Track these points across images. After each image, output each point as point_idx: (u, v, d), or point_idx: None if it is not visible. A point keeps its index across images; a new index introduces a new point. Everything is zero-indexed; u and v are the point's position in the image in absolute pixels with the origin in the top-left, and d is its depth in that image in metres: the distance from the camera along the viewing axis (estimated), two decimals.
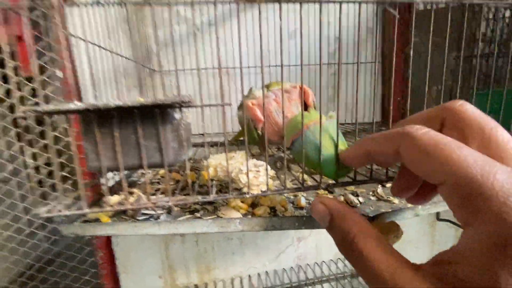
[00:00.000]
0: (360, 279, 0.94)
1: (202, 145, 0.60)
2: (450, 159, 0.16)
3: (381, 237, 0.19)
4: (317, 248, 0.95)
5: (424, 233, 0.97)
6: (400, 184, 0.25)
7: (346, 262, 0.95)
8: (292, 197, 0.39)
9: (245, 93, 0.65)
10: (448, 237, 0.96)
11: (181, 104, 0.25)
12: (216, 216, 0.32)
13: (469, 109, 0.19)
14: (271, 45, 0.80)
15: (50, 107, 0.22)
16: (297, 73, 0.83)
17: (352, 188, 0.44)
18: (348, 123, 0.89)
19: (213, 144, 0.66)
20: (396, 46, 0.33)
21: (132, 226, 0.29)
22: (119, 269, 0.84)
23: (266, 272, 0.92)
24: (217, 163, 0.33)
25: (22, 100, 0.64)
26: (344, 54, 0.84)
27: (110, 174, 0.46)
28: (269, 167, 0.32)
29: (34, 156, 0.24)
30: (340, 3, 0.27)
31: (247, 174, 0.28)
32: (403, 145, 0.18)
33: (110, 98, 0.61)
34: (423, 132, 0.18)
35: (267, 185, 0.29)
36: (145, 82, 0.73)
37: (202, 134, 0.70)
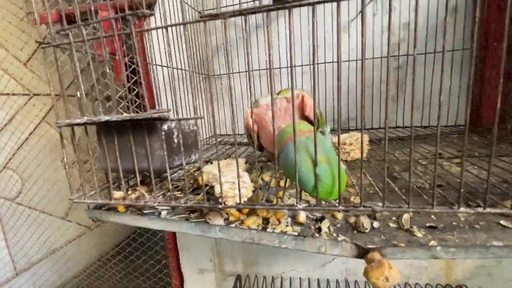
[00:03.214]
0: None
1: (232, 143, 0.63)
2: None
3: None
4: None
5: None
6: None
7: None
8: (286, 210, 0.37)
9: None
10: None
11: (156, 118, 0.28)
12: (203, 220, 0.34)
13: None
14: (319, 40, 0.74)
15: (67, 121, 0.29)
16: (356, 68, 0.75)
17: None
18: (419, 126, 0.74)
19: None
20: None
21: (132, 218, 0.34)
22: (179, 246, 0.98)
23: (309, 279, 0.88)
24: (210, 170, 0.35)
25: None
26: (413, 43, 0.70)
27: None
28: (249, 179, 0.31)
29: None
30: None
31: (220, 184, 0.29)
32: None
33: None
34: None
35: (240, 197, 0.29)
36: (199, 87, 0.81)
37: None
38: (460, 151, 0.58)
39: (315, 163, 0.26)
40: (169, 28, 0.61)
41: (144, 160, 0.31)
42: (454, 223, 0.32)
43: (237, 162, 0.28)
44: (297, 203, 0.28)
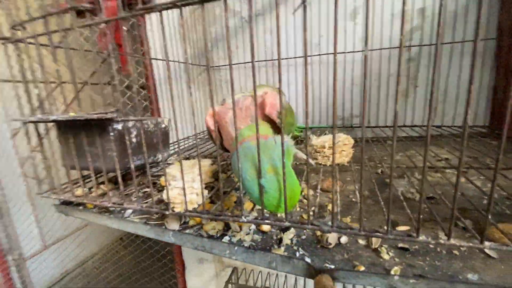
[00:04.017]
0: None
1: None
2: None
3: None
4: None
5: None
6: None
7: None
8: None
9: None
10: None
11: (97, 120, 0.27)
12: (162, 222, 0.33)
13: None
14: (323, 30, 0.69)
15: (22, 118, 0.29)
16: (362, 60, 0.69)
17: (348, 220, 0.34)
18: (424, 126, 0.66)
19: None
20: None
21: (93, 215, 0.34)
22: None
23: (304, 279, 0.86)
24: (169, 171, 0.34)
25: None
26: (427, 31, 0.62)
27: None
28: (200, 184, 0.29)
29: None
30: None
31: (167, 190, 0.28)
32: None
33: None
34: None
35: (186, 204, 0.27)
36: (199, 78, 0.80)
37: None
38: (470, 157, 0.51)
39: (259, 174, 0.24)
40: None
41: (97, 160, 0.31)
42: (431, 246, 0.28)
43: (181, 165, 0.26)
44: (242, 214, 0.25)
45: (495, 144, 0.57)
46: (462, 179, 0.43)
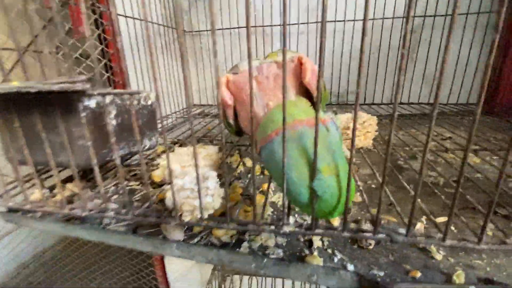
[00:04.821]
0: None
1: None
2: None
3: None
4: None
5: None
6: None
7: None
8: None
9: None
10: None
11: (65, 92, 0.17)
12: (158, 229, 0.26)
13: None
14: None
15: None
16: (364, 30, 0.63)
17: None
18: (426, 103, 0.65)
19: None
20: None
21: (60, 226, 0.25)
22: None
23: None
24: (165, 164, 0.26)
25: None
26: (432, 1, 0.58)
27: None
28: (216, 182, 0.22)
29: None
30: None
31: (173, 194, 0.20)
32: None
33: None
34: None
35: (201, 212, 0.20)
36: (174, 45, 0.68)
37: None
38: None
39: (312, 174, 0.17)
40: None
41: (62, 153, 0.21)
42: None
43: (196, 160, 0.19)
44: (283, 221, 0.19)
45: (489, 121, 0.57)
46: (477, 160, 0.42)
